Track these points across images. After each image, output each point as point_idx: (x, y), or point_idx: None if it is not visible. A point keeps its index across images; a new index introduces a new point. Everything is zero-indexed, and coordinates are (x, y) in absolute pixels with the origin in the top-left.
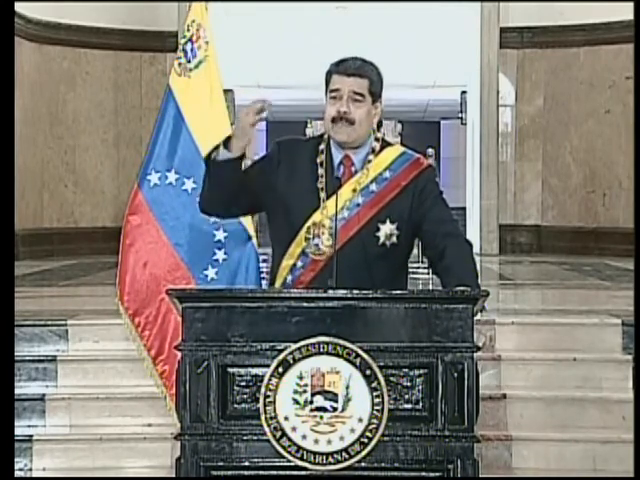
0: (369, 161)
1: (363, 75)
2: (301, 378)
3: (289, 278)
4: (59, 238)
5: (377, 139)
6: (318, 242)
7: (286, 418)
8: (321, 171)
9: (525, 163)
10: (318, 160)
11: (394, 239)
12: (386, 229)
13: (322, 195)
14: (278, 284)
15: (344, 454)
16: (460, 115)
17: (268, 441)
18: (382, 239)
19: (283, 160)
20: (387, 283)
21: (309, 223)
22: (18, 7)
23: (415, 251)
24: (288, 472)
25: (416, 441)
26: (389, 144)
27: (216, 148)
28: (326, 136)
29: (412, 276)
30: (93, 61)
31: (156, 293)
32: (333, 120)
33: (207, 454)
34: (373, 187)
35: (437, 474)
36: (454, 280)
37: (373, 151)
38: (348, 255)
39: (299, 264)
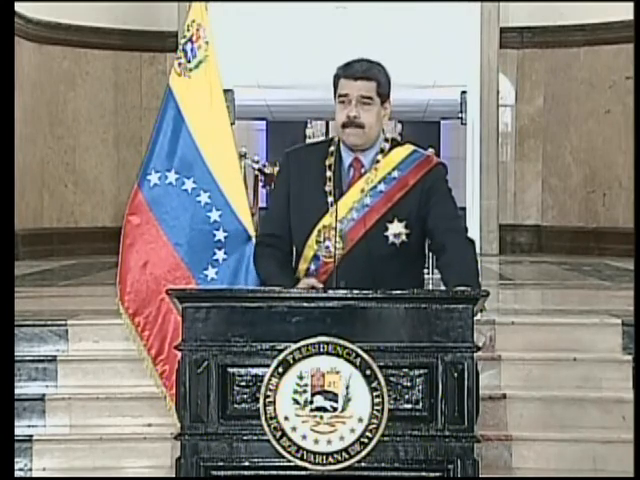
0: (377, 161)
1: (371, 78)
2: (301, 378)
3: None
4: (59, 238)
5: (387, 139)
6: (329, 245)
7: (286, 418)
8: (329, 174)
9: (525, 163)
10: (327, 162)
11: (403, 237)
12: (394, 228)
13: (330, 198)
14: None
15: (344, 454)
16: (460, 115)
17: (268, 441)
18: (391, 238)
19: (293, 170)
20: (399, 282)
21: (319, 226)
22: (18, 7)
23: None
24: (288, 472)
25: (416, 441)
26: (399, 144)
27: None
28: (336, 139)
29: None
30: (93, 61)
31: (156, 293)
32: (343, 125)
33: (207, 454)
34: (381, 187)
35: (437, 474)
36: (453, 277)
37: (382, 151)
38: (358, 256)
39: (312, 267)
